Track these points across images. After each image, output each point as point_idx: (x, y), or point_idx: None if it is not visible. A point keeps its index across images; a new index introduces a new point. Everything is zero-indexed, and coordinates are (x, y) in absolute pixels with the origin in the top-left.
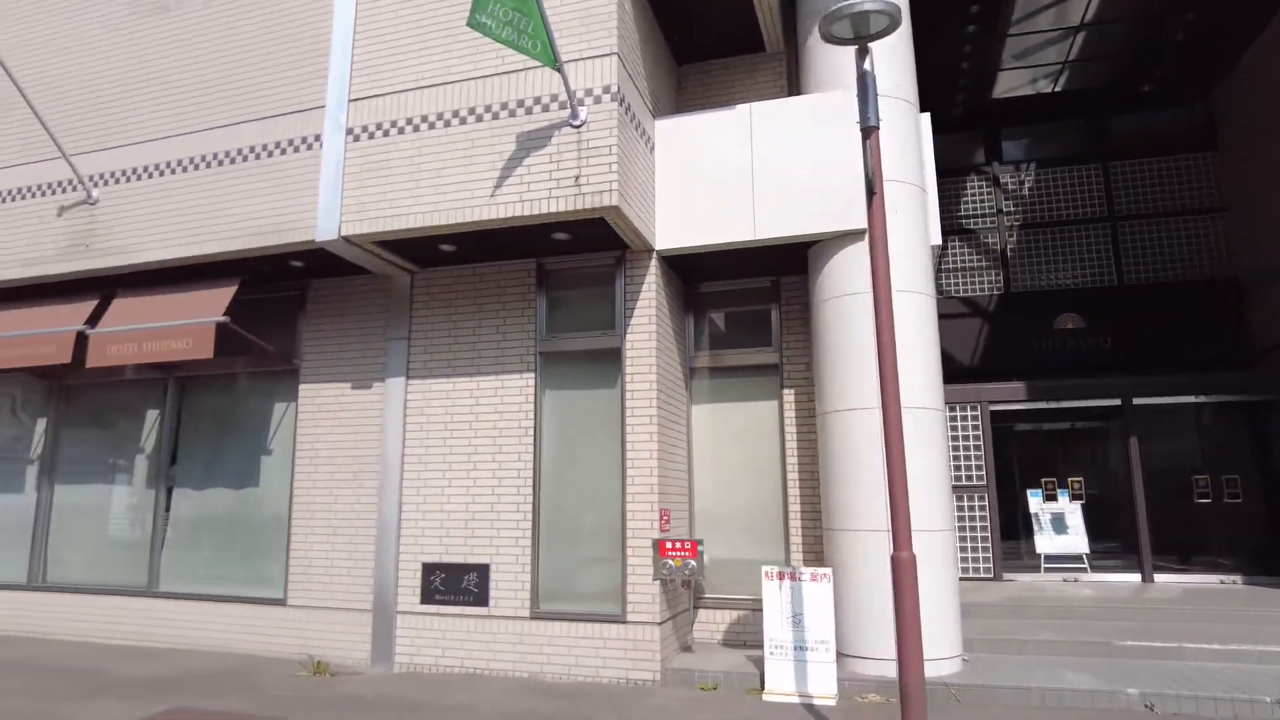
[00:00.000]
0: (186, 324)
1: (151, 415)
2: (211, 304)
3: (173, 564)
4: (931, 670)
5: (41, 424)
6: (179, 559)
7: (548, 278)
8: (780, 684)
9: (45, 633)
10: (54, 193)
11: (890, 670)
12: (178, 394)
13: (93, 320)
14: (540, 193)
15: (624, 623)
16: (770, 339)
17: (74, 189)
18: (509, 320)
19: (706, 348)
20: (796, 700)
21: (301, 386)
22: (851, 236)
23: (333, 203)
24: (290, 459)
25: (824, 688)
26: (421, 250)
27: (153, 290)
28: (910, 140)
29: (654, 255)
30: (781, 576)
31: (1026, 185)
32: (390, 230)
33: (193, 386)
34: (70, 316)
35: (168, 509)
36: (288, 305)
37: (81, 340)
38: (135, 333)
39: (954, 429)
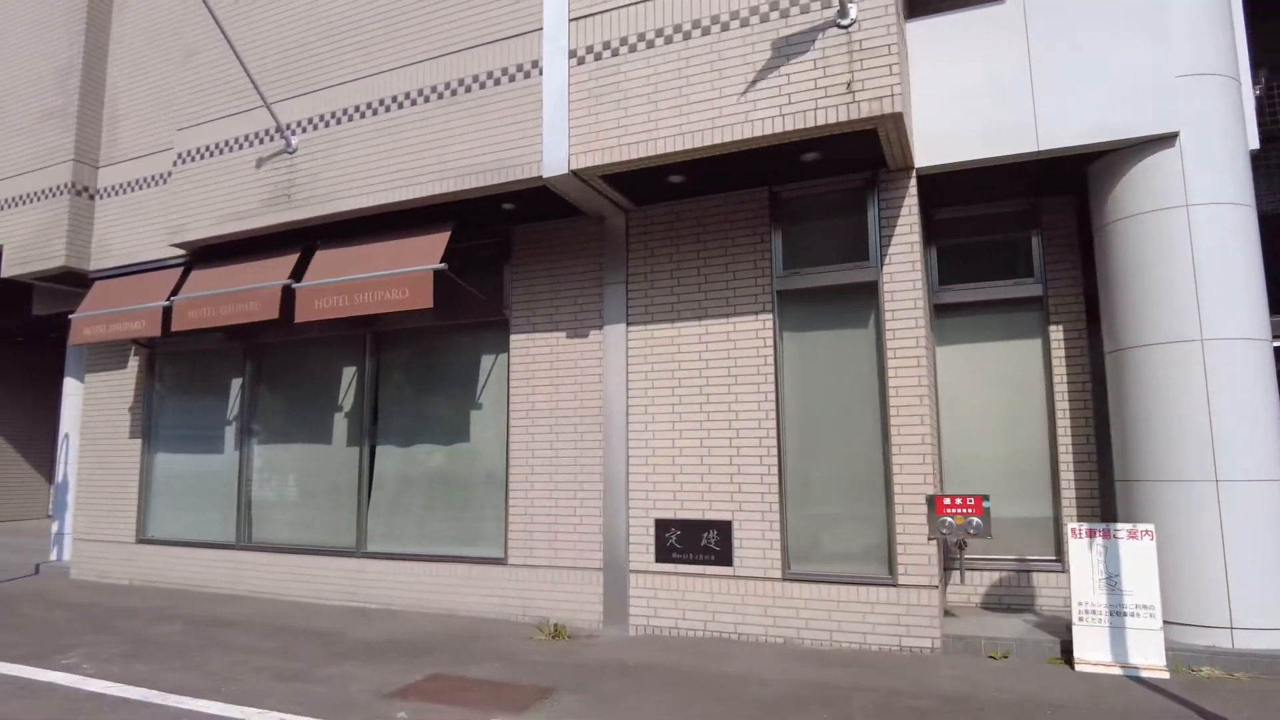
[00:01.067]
0: (402, 273)
1: (348, 372)
2: (425, 252)
3: (380, 523)
4: (1269, 641)
5: (237, 384)
6: (386, 518)
7: (782, 207)
8: (1093, 653)
9: (254, 591)
10: (253, 144)
11: (1223, 640)
12: (375, 349)
13: (297, 274)
14: (803, 104)
15: (895, 586)
16: (1031, 269)
17: (272, 139)
18: (738, 258)
19: (952, 281)
20: (1119, 672)
21: (512, 337)
22: (1157, 144)
23: (559, 134)
24: (504, 413)
25: (1150, 658)
26: (645, 184)
27: (354, 241)
28: (1221, 24)
29: (913, 174)
30: (1092, 534)
31: None
32: (628, 160)
33: (391, 341)
34: (274, 271)
35: (371, 467)
36: (492, 253)
37: (288, 295)
38: (345, 285)
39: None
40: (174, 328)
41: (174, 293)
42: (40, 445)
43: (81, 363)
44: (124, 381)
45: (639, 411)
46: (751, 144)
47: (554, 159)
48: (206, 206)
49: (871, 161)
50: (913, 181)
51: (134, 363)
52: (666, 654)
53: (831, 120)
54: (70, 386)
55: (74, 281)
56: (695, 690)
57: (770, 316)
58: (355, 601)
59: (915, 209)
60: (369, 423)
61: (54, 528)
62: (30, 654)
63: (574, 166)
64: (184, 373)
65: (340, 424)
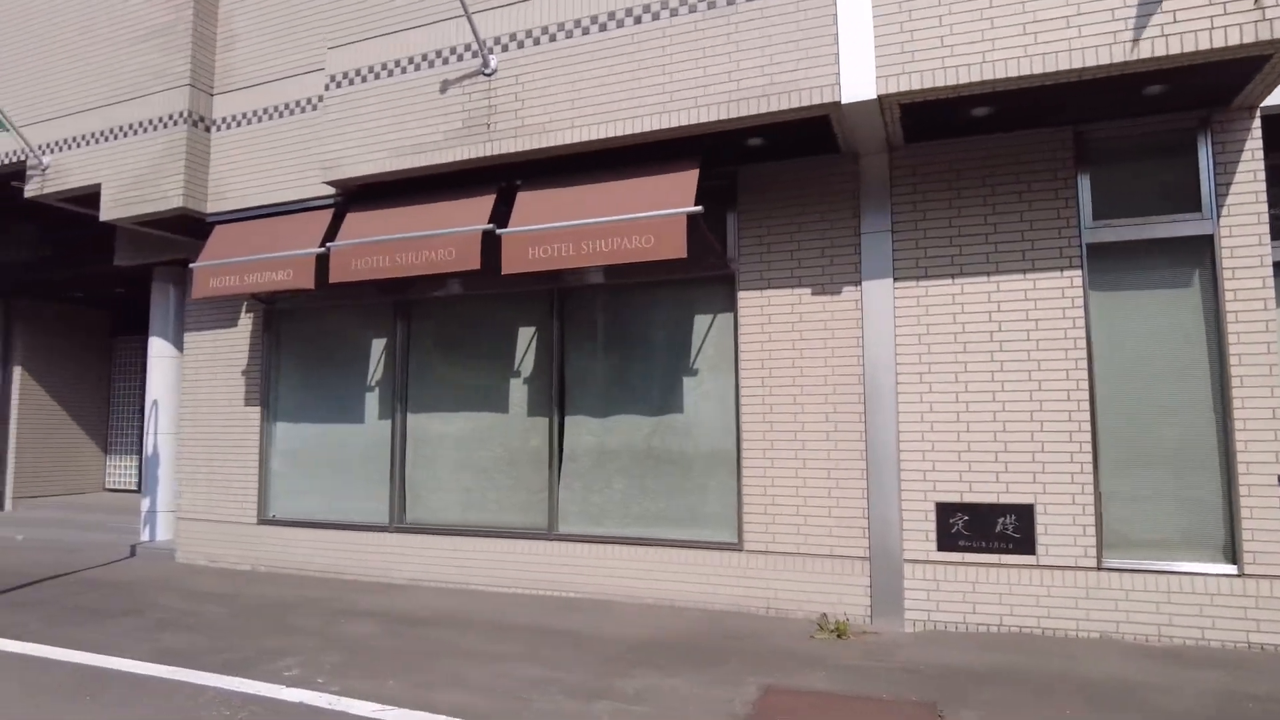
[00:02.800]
0: (646, 217)
1: (526, 333)
2: (668, 193)
3: (574, 503)
4: None
5: (380, 345)
6: (582, 498)
7: (1090, 149)
8: None
9: (413, 579)
10: (434, 64)
11: None
12: (559, 307)
13: (497, 218)
14: (1193, 23)
15: (1240, 576)
16: None
17: (460, 58)
18: (1035, 205)
19: None
20: None
21: (741, 294)
22: None
23: (860, 53)
24: (730, 380)
25: None
26: (935, 116)
27: (564, 182)
28: None
29: (1256, 114)
30: None
31: None
32: (954, 85)
33: (577, 298)
34: (466, 214)
35: (561, 440)
36: (713, 197)
37: (489, 241)
38: (569, 231)
39: None
40: (333, 278)
41: (329, 238)
42: (92, 411)
43: (170, 321)
44: (235, 342)
45: (911, 380)
46: (1115, 70)
47: (855, 82)
48: (373, 138)
49: (1210, 98)
50: (1256, 122)
51: (246, 321)
52: (989, 654)
53: (1232, 41)
54: (158, 347)
55: (174, 228)
56: (1094, 699)
57: (1078, 273)
58: (549, 590)
59: (1259, 154)
60: (556, 389)
61: (144, 505)
62: (232, 661)
63: (884, 91)
64: (312, 332)
65: (518, 391)
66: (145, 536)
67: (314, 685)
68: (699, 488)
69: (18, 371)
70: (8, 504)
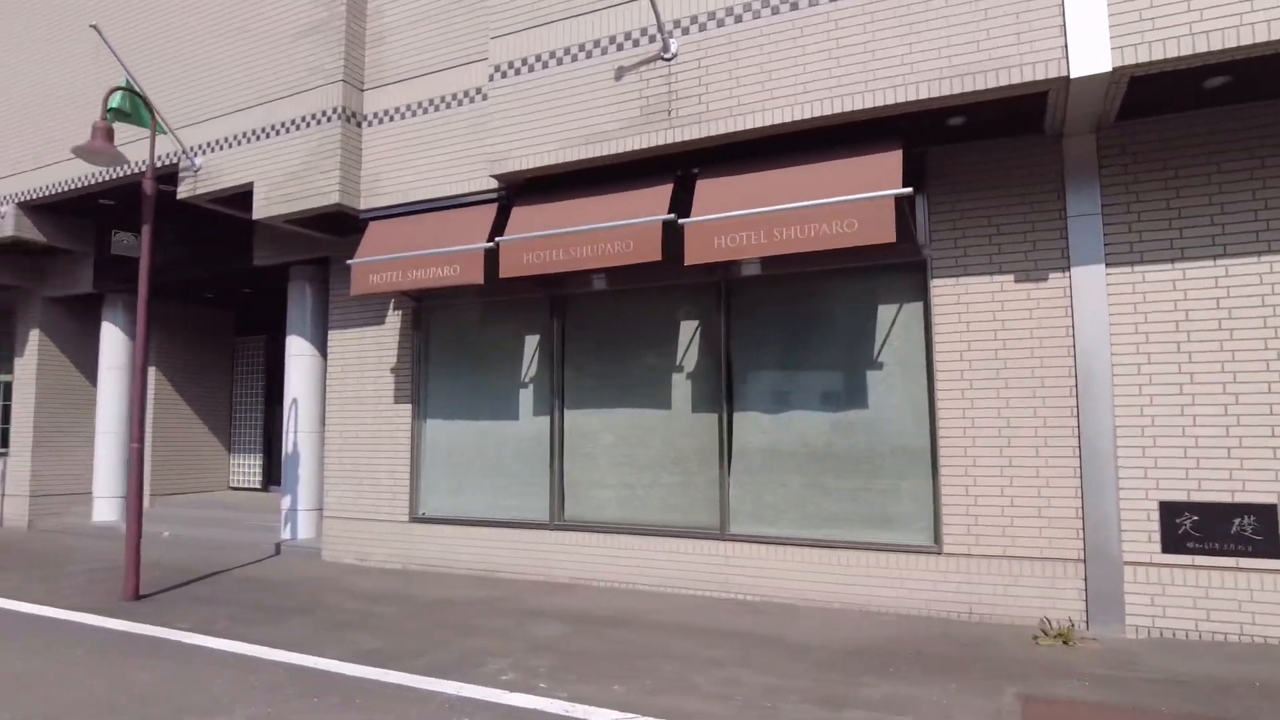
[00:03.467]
0: (848, 200)
1: (687, 326)
2: (868, 176)
3: (746, 502)
4: None
5: (533, 341)
6: (755, 497)
7: None
8: None
9: (574, 578)
10: (606, 51)
11: None
12: (725, 299)
13: (676, 207)
14: None
15: None
16: None
17: (636, 43)
18: (1271, 182)
19: None
20: None
21: (934, 282)
22: None
23: (1090, 20)
24: (921, 374)
25: None
26: (1164, 90)
27: (745, 168)
28: None
29: None
30: None
31: None
32: (1209, 51)
33: (745, 289)
34: (642, 205)
35: (729, 436)
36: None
37: (667, 232)
38: (761, 218)
39: None
40: (504, 273)
41: (496, 233)
42: (216, 411)
43: (307, 320)
44: (383, 340)
45: (1128, 372)
46: None
47: (1086, 54)
48: (542, 130)
49: None
50: None
51: (394, 319)
52: (1248, 665)
53: None
54: (296, 346)
55: (320, 225)
56: None
57: None
58: (719, 592)
59: None
60: (723, 384)
61: (284, 503)
62: (439, 664)
63: (1121, 63)
64: (462, 329)
65: (682, 386)
66: (287, 534)
67: (537, 690)
68: (886, 488)
69: (152, 372)
70: (145, 501)
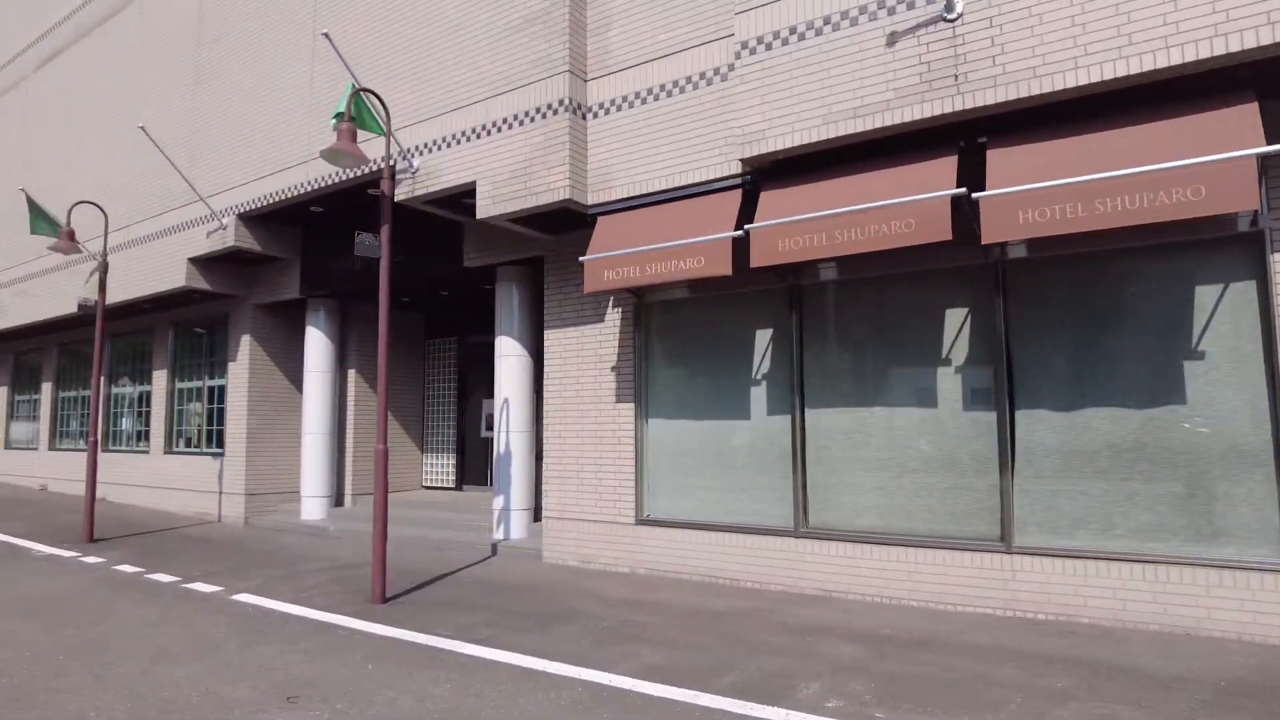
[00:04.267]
0: (1202, 163)
1: (953, 315)
2: (1214, 133)
3: (1033, 511)
4: None
5: (765, 335)
6: (1045, 505)
7: None
8: None
9: (826, 590)
10: (874, 17)
11: None
12: (1001, 283)
13: (966, 181)
14: None
15: None
16: None
17: (913, 4)
18: None
19: None
20: None
21: (1276, 257)
22: None
23: None
24: (1258, 364)
25: None
26: None
27: (1045, 133)
28: None
29: None
30: None
31: None
32: None
33: (1023, 270)
34: (922, 180)
35: (1013, 438)
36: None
37: (959, 206)
38: (1075, 188)
39: None
40: (756, 262)
41: (745, 220)
42: (409, 412)
43: (515, 321)
44: (602, 338)
45: None
46: None
47: None
48: (799, 106)
49: None
50: None
51: (614, 316)
52: None
53: None
54: (506, 346)
55: (540, 223)
56: None
57: None
58: (1004, 609)
59: None
60: (1003, 378)
61: (496, 503)
62: (742, 685)
63: None
64: (687, 325)
65: (949, 381)
66: (500, 535)
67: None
68: (1215, 494)
69: (351, 374)
70: (347, 500)
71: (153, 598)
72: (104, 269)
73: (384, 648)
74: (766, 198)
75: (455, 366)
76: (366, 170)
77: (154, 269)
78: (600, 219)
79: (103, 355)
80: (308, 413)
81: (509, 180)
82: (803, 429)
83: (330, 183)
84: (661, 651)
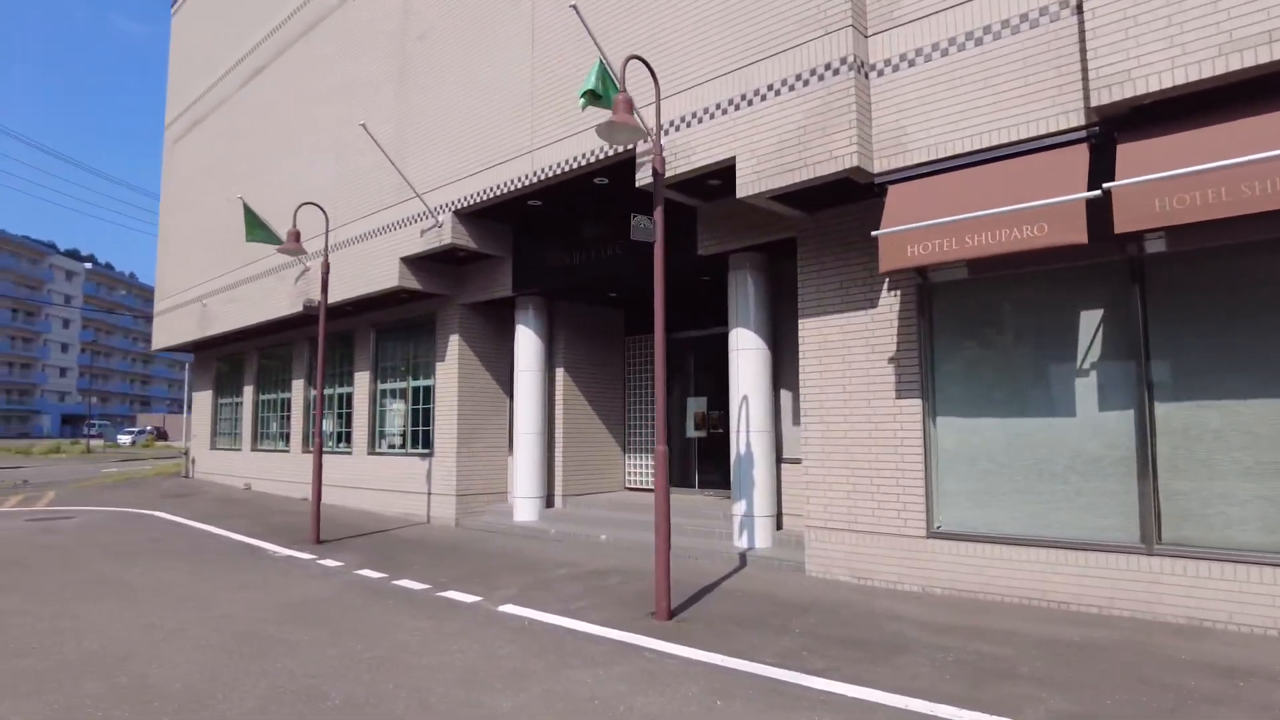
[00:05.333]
0: None
1: None
2: None
3: None
4: None
5: (1095, 316)
6: None
7: None
8: None
9: (1194, 617)
10: None
11: None
12: None
13: None
14: None
15: None
16: None
17: None
18: None
19: None
20: None
21: None
22: None
23: None
24: None
25: None
26: None
27: None
28: None
29: None
30: None
31: None
32: None
33: None
34: None
35: None
36: None
37: None
38: None
39: None
40: (1121, 227)
41: (1103, 177)
42: (611, 411)
43: (751, 311)
44: (875, 325)
45: None
46: None
47: None
48: (1183, 35)
49: None
50: None
51: (890, 300)
52: None
53: None
54: (743, 339)
55: (804, 200)
56: None
57: None
58: None
59: None
60: None
61: (737, 509)
62: None
63: None
64: (987, 308)
65: None
66: (742, 543)
67: None
68: None
69: (560, 373)
70: (557, 501)
71: (416, 607)
72: (326, 269)
73: (713, 677)
74: (1128, 150)
75: (650, 364)
76: (614, 152)
77: (364, 270)
78: (891, 189)
79: (319, 357)
80: (520, 412)
81: (776, 152)
82: (1152, 427)
83: (557, 173)
84: (1059, 694)
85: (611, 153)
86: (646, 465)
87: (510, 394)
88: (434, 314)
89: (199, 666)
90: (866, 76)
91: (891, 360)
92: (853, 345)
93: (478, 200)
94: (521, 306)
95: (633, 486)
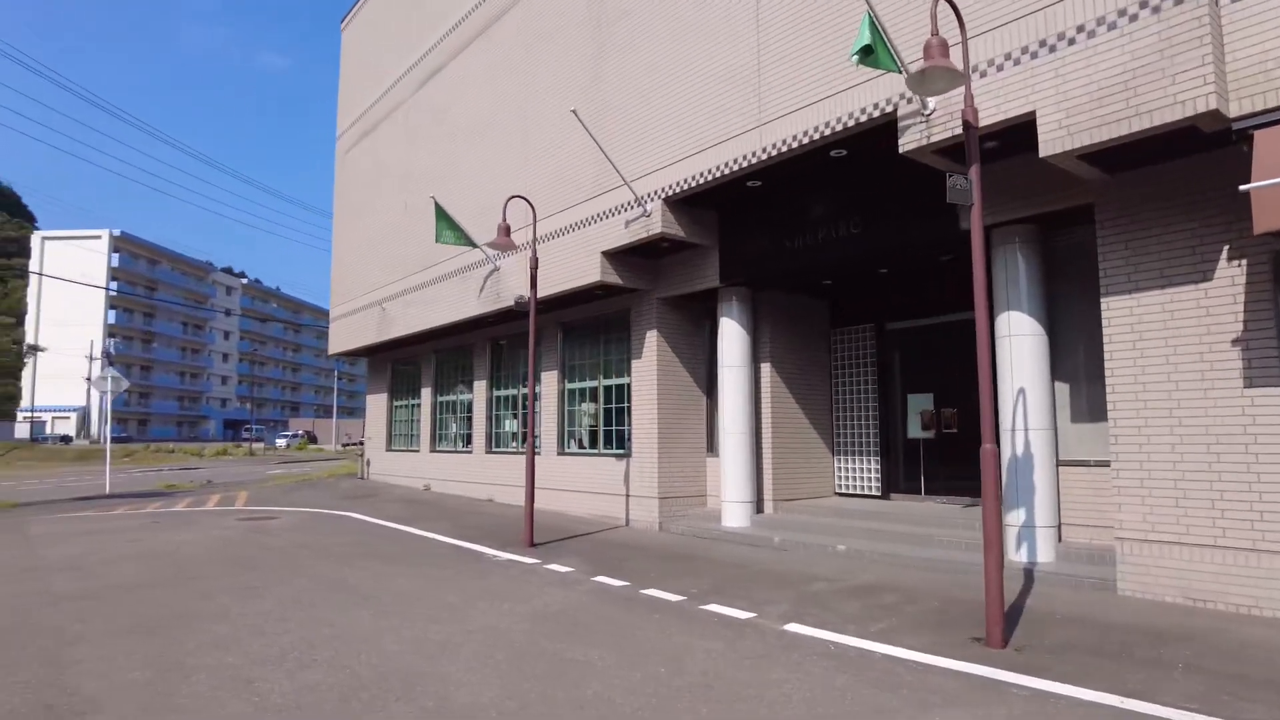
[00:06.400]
0: None
1: None
2: None
3: None
4: None
5: None
6: None
7: None
8: None
9: None
10: None
11: None
12: None
13: None
14: None
15: None
16: None
17: None
18: None
19: None
20: None
21: None
22: None
23: None
24: None
25: None
26: None
27: None
28: None
29: None
30: None
31: None
32: None
33: None
34: None
35: None
36: None
37: None
38: None
39: None
40: None
41: None
42: (818, 409)
43: (1023, 291)
44: (1210, 302)
45: None
46: None
47: None
48: None
49: None
50: None
51: (1231, 271)
52: None
53: None
54: (1016, 324)
55: (1101, 160)
56: None
57: None
58: None
59: None
60: None
61: (1013, 519)
62: None
63: None
64: None
65: None
66: (1020, 557)
67: None
68: None
69: (765, 369)
70: (767, 506)
71: (687, 623)
72: (535, 264)
73: None
74: None
75: (872, 357)
76: (864, 119)
77: (561, 267)
78: (1259, 135)
79: (529, 355)
80: (726, 411)
81: (1094, 101)
82: None
83: (793, 147)
84: None
85: (862, 119)
86: (859, 469)
87: (706, 392)
88: (627, 310)
89: (500, 689)
90: (1217, 3)
91: (1237, 342)
92: (1180, 326)
93: (692, 185)
94: (725, 298)
95: (844, 491)
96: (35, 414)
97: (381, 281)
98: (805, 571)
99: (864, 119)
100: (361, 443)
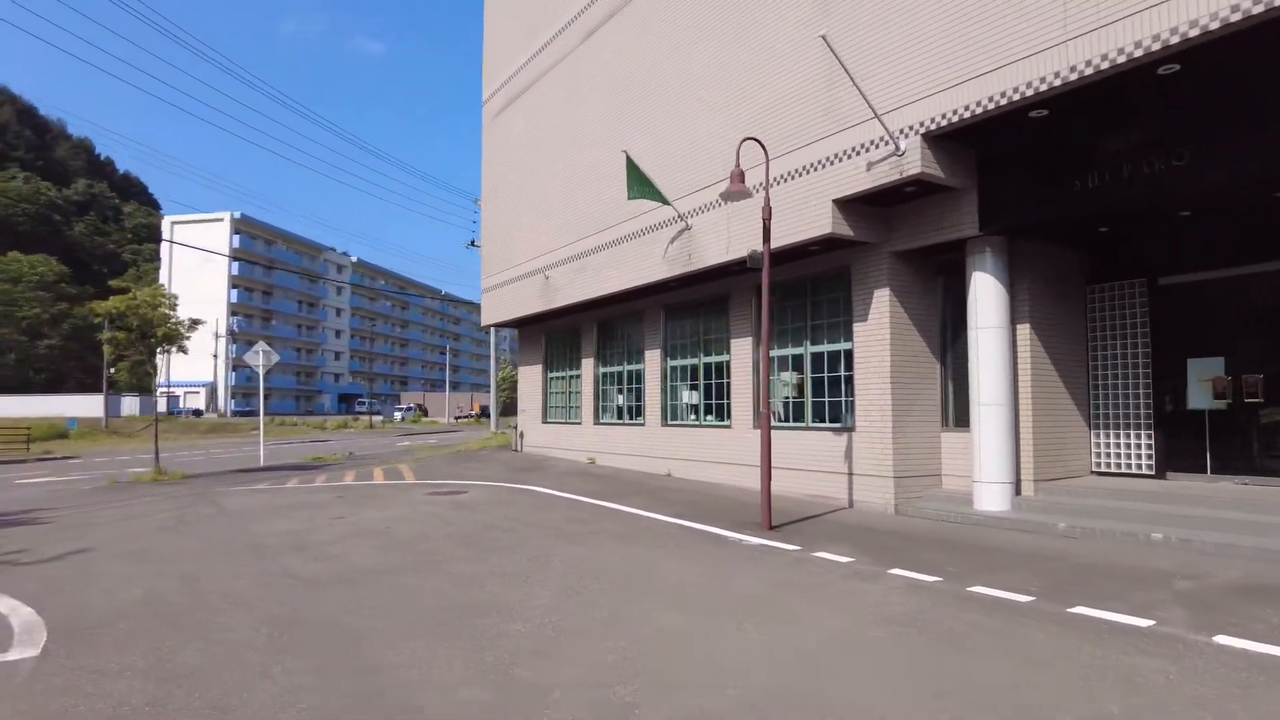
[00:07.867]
0: None
1: None
2: None
3: None
4: None
5: None
6: None
7: None
8: None
9: None
10: None
11: None
12: None
13: None
14: None
15: None
16: None
17: None
18: None
19: None
20: None
21: None
22: None
23: None
24: None
25: None
26: None
27: None
28: None
29: None
30: None
31: None
32: None
33: None
34: None
35: None
36: None
37: None
38: None
39: None
40: None
41: None
42: (1071, 377)
43: None
44: None
45: None
46: None
47: None
48: None
49: None
50: None
51: None
52: None
53: None
54: None
55: None
56: None
57: None
58: None
59: None
60: None
61: None
62: None
63: None
64: None
65: None
66: None
67: None
68: None
69: (1023, 331)
70: (1025, 487)
71: (1079, 632)
72: (768, 213)
73: None
74: None
75: (1144, 318)
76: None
77: (780, 220)
78: None
79: (764, 314)
80: (982, 379)
81: None
82: None
83: (1119, 62)
84: None
85: (1213, 27)
86: (1123, 444)
87: (941, 359)
88: (844, 268)
89: None
90: None
91: None
92: None
93: (965, 116)
94: (977, 249)
95: (1103, 470)
96: (170, 389)
97: (545, 248)
98: (1139, 565)
99: (1209, 29)
100: (472, 415)
